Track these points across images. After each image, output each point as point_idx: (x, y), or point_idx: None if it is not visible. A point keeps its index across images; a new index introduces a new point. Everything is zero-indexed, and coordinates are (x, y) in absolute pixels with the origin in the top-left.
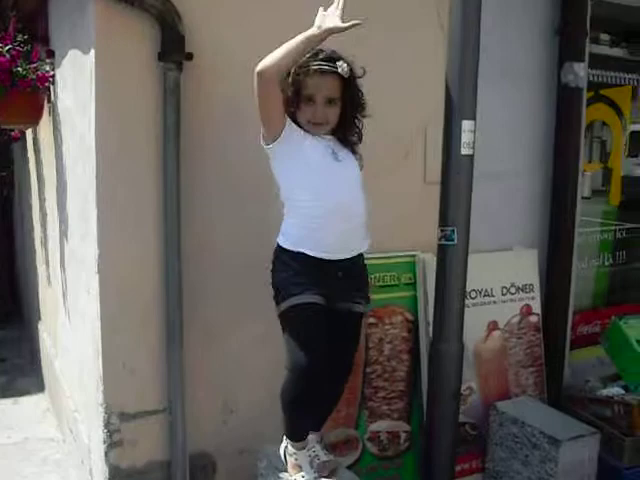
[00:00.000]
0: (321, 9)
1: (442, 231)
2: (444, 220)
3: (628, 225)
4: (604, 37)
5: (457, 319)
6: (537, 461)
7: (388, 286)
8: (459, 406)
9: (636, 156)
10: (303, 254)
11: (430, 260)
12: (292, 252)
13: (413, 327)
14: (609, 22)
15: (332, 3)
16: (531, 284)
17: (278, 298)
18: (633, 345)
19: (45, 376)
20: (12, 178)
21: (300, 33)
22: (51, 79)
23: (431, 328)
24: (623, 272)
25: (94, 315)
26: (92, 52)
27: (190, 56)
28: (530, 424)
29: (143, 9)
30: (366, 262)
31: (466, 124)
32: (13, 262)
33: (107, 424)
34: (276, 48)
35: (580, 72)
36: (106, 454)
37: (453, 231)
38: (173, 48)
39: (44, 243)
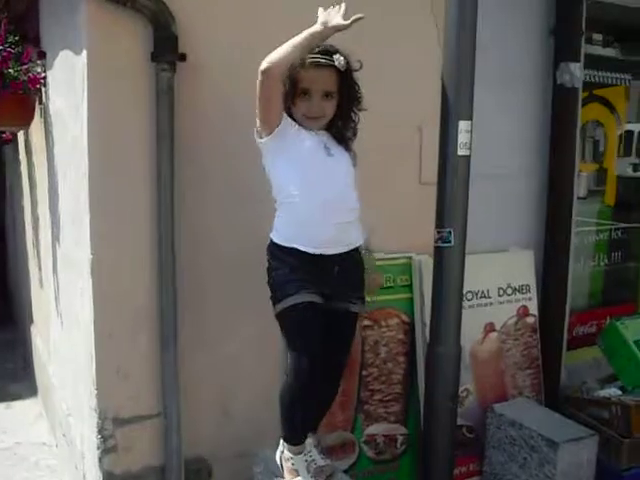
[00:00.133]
0: (321, 8)
1: (439, 233)
2: (441, 221)
3: (623, 225)
4: (597, 37)
5: (454, 322)
6: (535, 464)
7: (384, 288)
8: (457, 409)
9: (629, 156)
10: (296, 250)
11: (426, 262)
12: (285, 248)
13: (409, 329)
14: (603, 22)
15: (328, 1)
16: (527, 285)
17: (275, 298)
18: (630, 346)
19: (38, 380)
20: (4, 181)
21: (295, 31)
22: (42, 81)
23: (427, 330)
24: (619, 272)
25: (87, 319)
26: (84, 53)
27: (183, 57)
28: (528, 426)
29: (135, 9)
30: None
31: (462, 124)
32: (5, 265)
33: (101, 429)
34: (271, 46)
35: (576, 72)
36: (100, 460)
37: (450, 233)
38: (166, 48)
39: (36, 246)
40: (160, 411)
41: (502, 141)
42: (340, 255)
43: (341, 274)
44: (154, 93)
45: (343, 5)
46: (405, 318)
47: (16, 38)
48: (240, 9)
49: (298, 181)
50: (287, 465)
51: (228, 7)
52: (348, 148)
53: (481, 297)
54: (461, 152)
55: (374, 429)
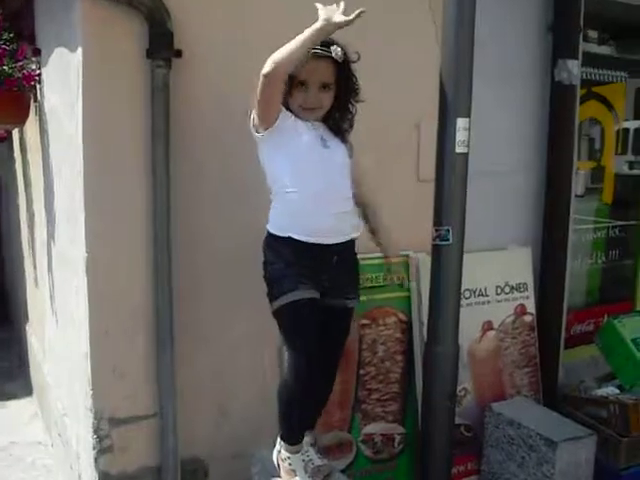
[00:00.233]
0: (320, 5)
1: (437, 231)
2: (439, 219)
3: (621, 222)
4: (592, 34)
5: (452, 320)
6: (533, 463)
7: (381, 287)
8: (455, 408)
9: (625, 154)
10: (291, 239)
11: (424, 260)
12: (281, 238)
13: (407, 328)
14: (600, 19)
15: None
16: (525, 283)
17: (271, 294)
18: (628, 344)
19: (33, 379)
20: None
21: (291, 26)
22: (37, 78)
23: (425, 329)
24: (616, 270)
25: (82, 317)
26: (79, 50)
27: (179, 53)
28: (526, 425)
29: (131, 6)
30: (359, 263)
31: (461, 122)
32: (1, 264)
33: (97, 429)
34: (267, 41)
35: (574, 69)
36: (96, 460)
37: (448, 231)
38: (162, 45)
39: (32, 245)
40: (156, 411)
41: (500, 138)
42: (338, 245)
43: (340, 265)
44: (149, 90)
45: (342, 3)
46: (402, 317)
47: (11, 35)
48: (236, 5)
49: (293, 173)
50: (284, 465)
51: (224, 3)
52: (344, 139)
53: (479, 295)
54: (459, 149)
55: (372, 428)
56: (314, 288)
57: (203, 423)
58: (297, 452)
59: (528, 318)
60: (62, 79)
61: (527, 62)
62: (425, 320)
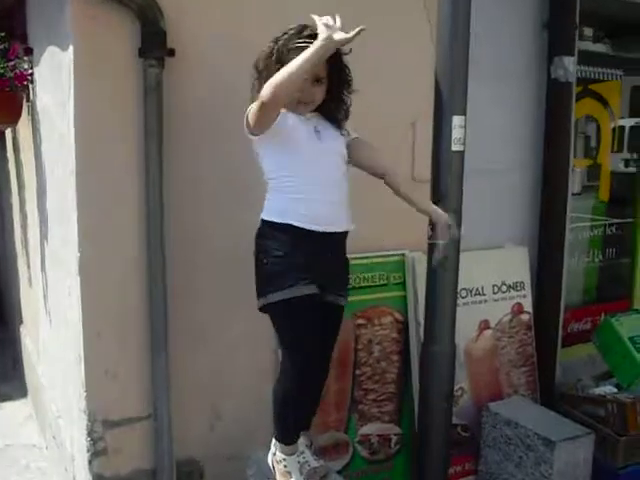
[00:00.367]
0: (316, 17)
1: (432, 230)
2: None
3: (617, 220)
4: (587, 32)
5: (449, 320)
6: (531, 463)
7: (377, 286)
8: (451, 408)
9: (621, 151)
10: (290, 226)
11: (420, 259)
12: (279, 226)
13: (403, 328)
14: (596, 16)
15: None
16: (522, 282)
17: (266, 288)
18: (625, 343)
19: (27, 381)
20: None
21: (285, 24)
22: (30, 77)
23: (422, 328)
24: (613, 268)
25: (75, 319)
26: (70, 49)
27: (172, 52)
28: (524, 425)
29: (123, 4)
30: (354, 262)
31: (456, 120)
32: None
33: (90, 432)
34: (262, 40)
35: (570, 66)
36: (90, 462)
37: None
38: (154, 44)
39: (25, 245)
40: (150, 413)
41: (496, 136)
42: (334, 236)
43: (333, 260)
44: (142, 89)
45: (338, 18)
46: (399, 316)
47: (2, 34)
48: (230, 3)
49: (289, 166)
50: (279, 467)
51: (218, 1)
52: (340, 126)
53: (475, 294)
54: (455, 147)
55: (368, 429)
56: (312, 283)
57: (198, 424)
58: (292, 454)
59: (525, 317)
60: (54, 78)
61: (523, 60)
62: (421, 320)
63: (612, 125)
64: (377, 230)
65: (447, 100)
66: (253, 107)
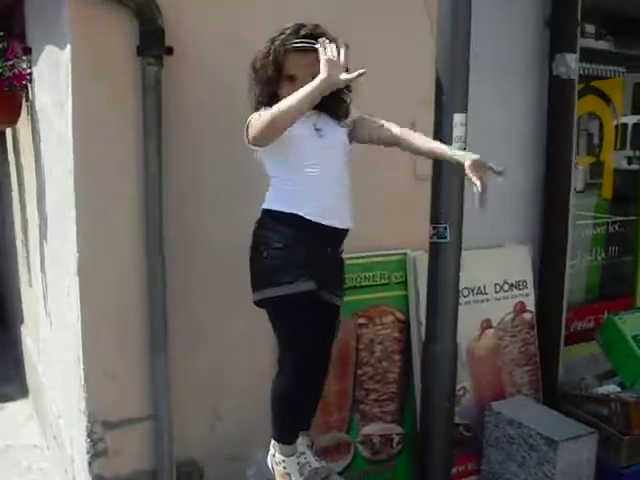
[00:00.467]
0: (321, 50)
1: (434, 228)
2: (436, 217)
3: (620, 218)
4: (589, 29)
5: (451, 319)
6: (534, 463)
7: (378, 285)
8: (454, 408)
9: (624, 149)
10: (295, 216)
11: (421, 258)
12: (283, 216)
13: (405, 327)
14: (598, 13)
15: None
16: (524, 281)
17: (263, 282)
18: (628, 341)
19: (29, 381)
20: None
21: (285, 20)
22: (28, 77)
23: (423, 328)
24: (616, 266)
25: (74, 319)
26: (68, 48)
27: (170, 50)
28: (526, 425)
29: (121, 3)
30: (356, 261)
31: (457, 117)
32: None
33: (90, 433)
34: (261, 37)
35: (572, 63)
36: (90, 464)
37: (445, 228)
38: (152, 42)
39: (25, 245)
40: (150, 414)
41: (497, 134)
42: (336, 232)
43: (331, 258)
44: (140, 88)
45: (343, 51)
46: (400, 316)
47: (1, 34)
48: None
49: (293, 166)
50: (279, 469)
51: None
52: (340, 120)
53: (477, 293)
54: (456, 145)
55: (370, 429)
56: (310, 279)
57: (198, 425)
58: (292, 455)
59: (528, 316)
60: (52, 78)
61: (525, 57)
62: (423, 319)
63: (615, 122)
64: (378, 229)
65: (448, 98)
66: (252, 121)
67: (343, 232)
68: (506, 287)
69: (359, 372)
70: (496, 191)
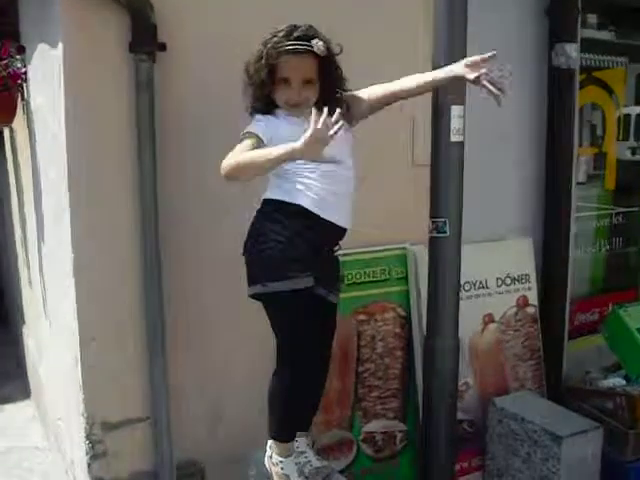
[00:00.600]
0: (314, 115)
1: (433, 223)
2: (435, 211)
3: (624, 209)
4: (591, 20)
5: (451, 315)
6: (539, 459)
7: (379, 281)
8: (456, 404)
9: (627, 140)
10: (299, 209)
11: (422, 253)
12: (287, 206)
13: (406, 323)
14: (597, 2)
15: None
16: (527, 274)
17: (265, 275)
18: (633, 334)
19: (31, 382)
20: None
21: (277, 18)
22: (23, 76)
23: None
24: (620, 257)
25: (71, 320)
26: (60, 45)
27: (163, 46)
28: (530, 420)
29: None
30: (355, 257)
31: (455, 109)
32: (1, 266)
33: (89, 435)
34: (253, 35)
35: (572, 53)
36: (89, 466)
37: (445, 222)
38: (145, 38)
39: (24, 245)
40: (150, 415)
41: (498, 125)
42: (335, 230)
43: (327, 258)
44: (134, 84)
45: (337, 127)
46: (401, 311)
47: None
48: None
49: (294, 166)
50: (276, 470)
51: None
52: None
53: (479, 288)
54: (454, 138)
55: (372, 426)
56: (310, 275)
57: (198, 426)
58: (290, 455)
59: (530, 310)
60: (45, 76)
61: (524, 47)
62: (425, 314)
63: (617, 113)
64: (377, 224)
65: (445, 90)
66: (232, 152)
67: (342, 231)
68: (508, 281)
69: (360, 369)
70: (498, 183)
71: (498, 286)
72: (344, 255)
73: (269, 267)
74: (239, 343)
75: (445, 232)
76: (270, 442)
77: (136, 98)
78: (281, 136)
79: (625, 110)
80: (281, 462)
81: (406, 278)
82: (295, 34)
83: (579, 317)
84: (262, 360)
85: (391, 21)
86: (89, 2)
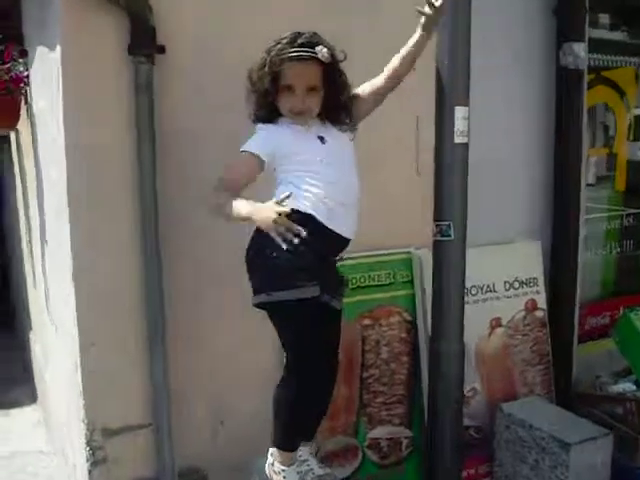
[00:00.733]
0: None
1: (437, 226)
2: (439, 214)
3: (635, 211)
4: (603, 20)
5: (456, 320)
6: (547, 466)
7: (384, 285)
8: (462, 411)
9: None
10: (309, 218)
11: (427, 256)
12: (298, 215)
13: (412, 327)
14: (610, 4)
15: None
16: (535, 278)
17: (272, 284)
18: None
19: (37, 387)
20: (2, 181)
21: (279, 21)
22: (26, 80)
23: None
24: (631, 260)
25: (71, 325)
26: (58, 48)
27: (162, 49)
28: (538, 426)
29: (111, 1)
30: (359, 260)
31: (459, 111)
32: (5, 268)
33: (89, 441)
34: (252, 37)
35: (580, 53)
36: (90, 472)
37: (449, 226)
38: (144, 41)
39: (30, 249)
40: (151, 421)
41: (505, 127)
42: (340, 241)
43: (331, 265)
44: (133, 87)
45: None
46: (407, 316)
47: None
48: None
49: (302, 174)
50: (278, 478)
51: None
52: (342, 125)
53: (486, 291)
54: (458, 140)
55: (377, 432)
56: (317, 285)
57: (200, 432)
58: (292, 464)
59: (539, 314)
60: (45, 79)
61: (531, 46)
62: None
63: (628, 113)
64: (381, 228)
65: (449, 91)
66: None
67: (347, 242)
68: (516, 284)
69: (365, 374)
70: (505, 185)
71: (506, 290)
72: (348, 259)
73: (275, 276)
74: (241, 347)
75: (449, 235)
76: (272, 449)
77: (135, 100)
78: (283, 145)
79: (636, 111)
80: (283, 471)
81: (412, 282)
82: (299, 41)
83: (590, 321)
84: (265, 365)
85: (399, 21)
86: (88, 5)
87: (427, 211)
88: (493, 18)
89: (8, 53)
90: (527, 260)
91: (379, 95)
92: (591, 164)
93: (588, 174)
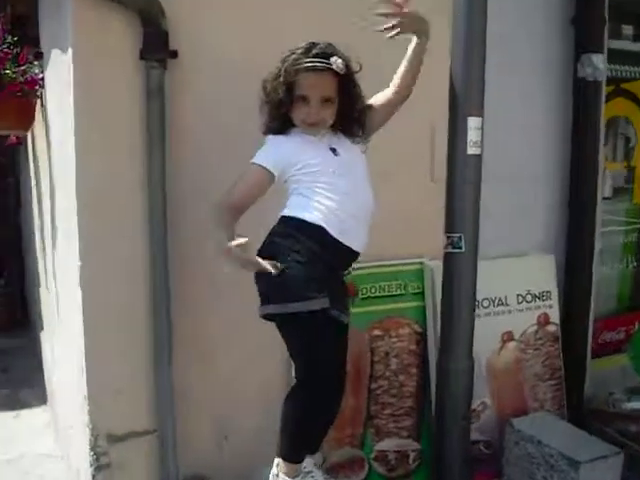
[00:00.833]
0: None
1: (448, 238)
2: (450, 226)
3: None
4: (627, 30)
5: (466, 334)
6: None
7: (394, 296)
8: (469, 427)
9: None
10: (320, 230)
11: (440, 268)
12: (307, 226)
13: (422, 339)
14: (634, 15)
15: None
16: (548, 291)
17: (283, 295)
18: None
19: (47, 388)
20: (18, 184)
21: (288, 25)
22: (41, 82)
23: None
24: None
25: (77, 331)
26: (70, 51)
27: (175, 54)
28: (547, 443)
29: (123, 4)
30: (370, 270)
31: (472, 121)
32: (21, 270)
33: (94, 446)
34: (265, 42)
35: (599, 64)
36: (93, 477)
37: (460, 238)
38: (156, 45)
39: (43, 252)
40: (155, 427)
41: (519, 138)
42: (350, 254)
43: (339, 278)
44: (144, 92)
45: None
46: (417, 328)
47: (15, 39)
48: (234, 3)
49: (313, 185)
50: None
51: (222, 1)
52: (355, 137)
53: (498, 305)
54: (471, 151)
55: (385, 445)
56: (327, 297)
57: (206, 440)
58: (296, 476)
59: (552, 328)
60: (58, 82)
61: (548, 58)
62: None
63: None
64: (394, 238)
65: (462, 101)
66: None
67: (355, 256)
68: (529, 298)
69: (374, 386)
70: (519, 197)
71: (518, 303)
72: (359, 269)
73: (286, 287)
74: (247, 356)
75: (460, 248)
76: (277, 460)
77: (147, 105)
78: (294, 156)
79: None
80: None
81: (423, 293)
82: (314, 51)
83: (604, 336)
84: (272, 374)
85: None
86: (100, 8)
87: (441, 222)
88: (511, 29)
89: (23, 55)
90: (540, 273)
91: (390, 107)
92: (607, 177)
93: (605, 187)
